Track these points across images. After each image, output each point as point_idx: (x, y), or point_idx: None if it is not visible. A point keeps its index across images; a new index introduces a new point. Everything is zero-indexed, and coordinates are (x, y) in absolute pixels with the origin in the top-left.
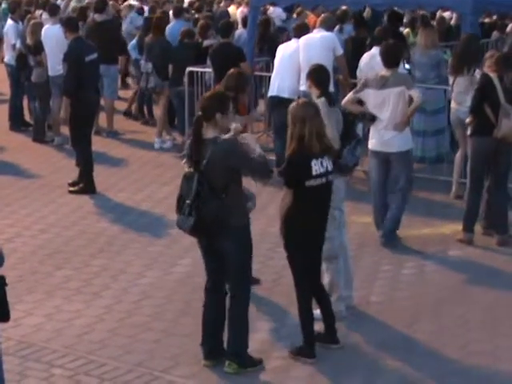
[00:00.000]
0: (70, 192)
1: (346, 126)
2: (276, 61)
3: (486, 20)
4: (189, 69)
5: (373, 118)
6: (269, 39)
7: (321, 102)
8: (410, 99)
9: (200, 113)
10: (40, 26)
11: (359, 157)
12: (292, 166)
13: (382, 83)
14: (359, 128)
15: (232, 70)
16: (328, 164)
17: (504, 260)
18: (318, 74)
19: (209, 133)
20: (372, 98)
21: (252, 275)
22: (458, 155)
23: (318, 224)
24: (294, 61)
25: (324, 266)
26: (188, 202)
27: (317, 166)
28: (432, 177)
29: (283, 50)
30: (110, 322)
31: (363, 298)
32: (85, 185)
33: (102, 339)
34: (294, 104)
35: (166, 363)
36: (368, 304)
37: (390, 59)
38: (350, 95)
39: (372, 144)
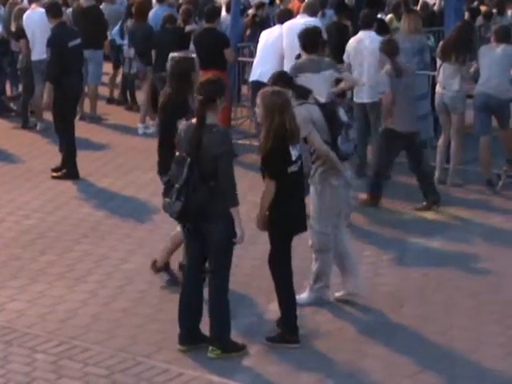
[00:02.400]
0: (53, 177)
1: (327, 116)
2: (259, 46)
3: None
4: (171, 54)
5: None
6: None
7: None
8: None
9: (201, 97)
10: (24, 11)
11: (355, 140)
12: (277, 154)
13: (318, 67)
14: (342, 113)
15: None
16: (298, 149)
17: (486, 246)
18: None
19: (208, 118)
20: (310, 82)
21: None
22: (442, 140)
23: (300, 207)
24: (276, 46)
25: (314, 255)
26: (177, 186)
27: (294, 151)
28: (356, 144)
29: (266, 36)
30: (93, 307)
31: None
32: (68, 170)
33: (86, 324)
34: (265, 93)
35: (149, 348)
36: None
37: (310, 44)
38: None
39: None
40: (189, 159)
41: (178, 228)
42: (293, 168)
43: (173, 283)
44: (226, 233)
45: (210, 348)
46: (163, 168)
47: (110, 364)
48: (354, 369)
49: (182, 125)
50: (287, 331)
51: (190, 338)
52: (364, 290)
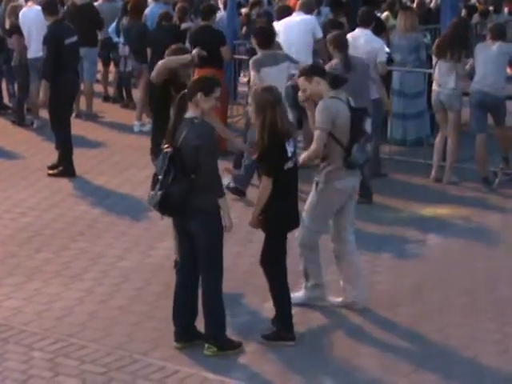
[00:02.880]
0: (50, 175)
1: (354, 122)
2: None
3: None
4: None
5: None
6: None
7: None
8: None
9: (185, 91)
10: (19, 8)
11: (369, 154)
12: (273, 151)
13: (276, 60)
14: (368, 124)
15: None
16: (292, 146)
17: (483, 244)
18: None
19: (189, 112)
20: (269, 75)
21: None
22: (439, 138)
23: (295, 204)
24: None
25: (299, 251)
26: (160, 178)
27: (289, 147)
28: (412, 160)
29: None
30: (89, 304)
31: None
32: (64, 168)
33: (82, 322)
34: (256, 91)
35: (145, 346)
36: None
37: (265, 41)
38: (255, 79)
39: None
40: (170, 151)
41: None
42: (289, 164)
43: None
44: (208, 229)
45: (206, 345)
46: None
47: (107, 362)
48: (350, 367)
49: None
50: (282, 329)
51: (185, 336)
52: (365, 300)
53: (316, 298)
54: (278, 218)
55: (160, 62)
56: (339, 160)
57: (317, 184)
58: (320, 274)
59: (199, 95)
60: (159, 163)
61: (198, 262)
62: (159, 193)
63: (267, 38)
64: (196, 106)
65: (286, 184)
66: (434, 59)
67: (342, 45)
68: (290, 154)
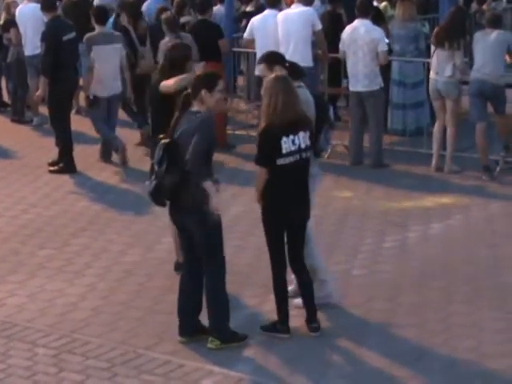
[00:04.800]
0: (50, 172)
1: (320, 109)
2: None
3: None
4: (164, 40)
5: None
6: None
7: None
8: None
9: (188, 91)
10: (14, 4)
11: (330, 141)
12: (263, 143)
13: (110, 39)
14: (331, 111)
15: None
16: (301, 142)
17: (485, 232)
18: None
19: (194, 108)
20: (102, 53)
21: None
22: (436, 127)
23: (290, 202)
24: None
25: None
26: (155, 168)
27: (287, 144)
28: (412, 149)
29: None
30: (92, 300)
31: (345, 271)
32: (65, 164)
33: (86, 318)
34: (267, 78)
35: (149, 340)
36: (349, 277)
37: (101, 18)
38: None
39: None
40: (166, 142)
41: None
42: (282, 161)
43: None
44: (205, 226)
45: (210, 339)
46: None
47: (111, 357)
48: (354, 357)
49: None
50: (278, 321)
51: (189, 329)
52: (339, 297)
53: (323, 296)
54: (269, 210)
55: (173, 83)
56: None
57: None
58: (321, 269)
59: (203, 92)
60: (156, 153)
61: (200, 255)
62: (153, 183)
63: (101, 14)
64: (201, 103)
65: (280, 179)
66: (433, 48)
67: (171, 26)
68: (285, 151)
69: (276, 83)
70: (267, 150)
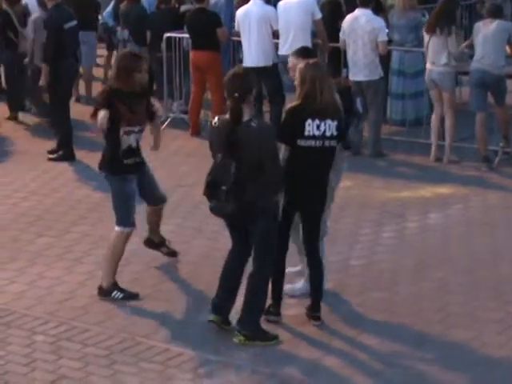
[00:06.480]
0: (50, 159)
1: (346, 102)
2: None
3: None
4: (166, 35)
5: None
6: None
7: None
8: None
9: (236, 94)
10: None
11: (362, 132)
12: (287, 121)
13: None
14: (359, 103)
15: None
16: (327, 129)
17: (484, 222)
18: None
19: (245, 114)
20: None
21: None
22: (434, 117)
23: (302, 187)
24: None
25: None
26: (224, 188)
27: (310, 127)
28: (411, 139)
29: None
30: (91, 288)
31: (343, 261)
32: (64, 152)
33: (84, 305)
34: (302, 64)
35: (147, 328)
36: (347, 267)
37: None
38: None
39: None
40: (234, 161)
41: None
42: (302, 143)
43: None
44: (264, 229)
45: (235, 332)
46: (101, 164)
47: (109, 344)
48: (352, 346)
49: (214, 123)
50: (271, 304)
51: (220, 309)
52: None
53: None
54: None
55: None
56: None
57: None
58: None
59: (250, 95)
60: (217, 172)
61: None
62: (230, 204)
63: None
64: (249, 106)
65: (298, 161)
66: (426, 38)
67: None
68: (307, 133)
69: (313, 69)
70: (290, 128)
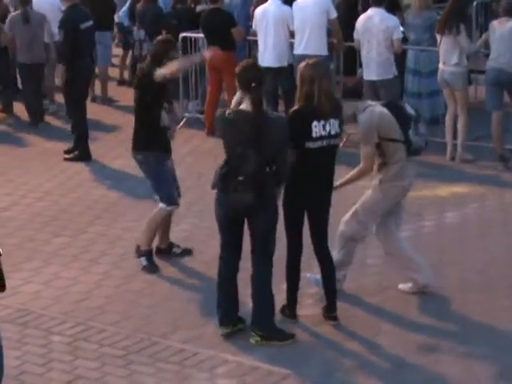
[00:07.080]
0: (66, 159)
1: (394, 113)
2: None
3: None
4: (182, 34)
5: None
6: None
7: None
8: None
9: (254, 84)
10: None
11: (426, 134)
12: (292, 126)
13: None
14: (409, 108)
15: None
16: (332, 128)
17: (500, 223)
18: None
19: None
20: None
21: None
22: (448, 116)
23: (312, 188)
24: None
25: (340, 243)
26: (241, 178)
27: (317, 128)
28: (427, 138)
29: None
30: (107, 288)
31: (359, 261)
32: (80, 152)
33: (100, 305)
34: (303, 64)
35: (164, 328)
36: (364, 266)
37: None
38: None
39: None
40: (254, 152)
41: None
42: (311, 145)
43: (149, 270)
44: (271, 218)
45: (252, 333)
46: (138, 145)
47: (126, 345)
48: (370, 346)
49: (229, 114)
50: (287, 305)
51: (233, 319)
52: (433, 280)
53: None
54: (287, 196)
55: (175, 67)
56: (404, 155)
57: (380, 182)
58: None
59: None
60: (234, 163)
61: (253, 247)
62: (248, 194)
63: None
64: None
65: (306, 163)
66: (438, 38)
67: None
68: (315, 135)
69: (313, 69)
70: (297, 133)
